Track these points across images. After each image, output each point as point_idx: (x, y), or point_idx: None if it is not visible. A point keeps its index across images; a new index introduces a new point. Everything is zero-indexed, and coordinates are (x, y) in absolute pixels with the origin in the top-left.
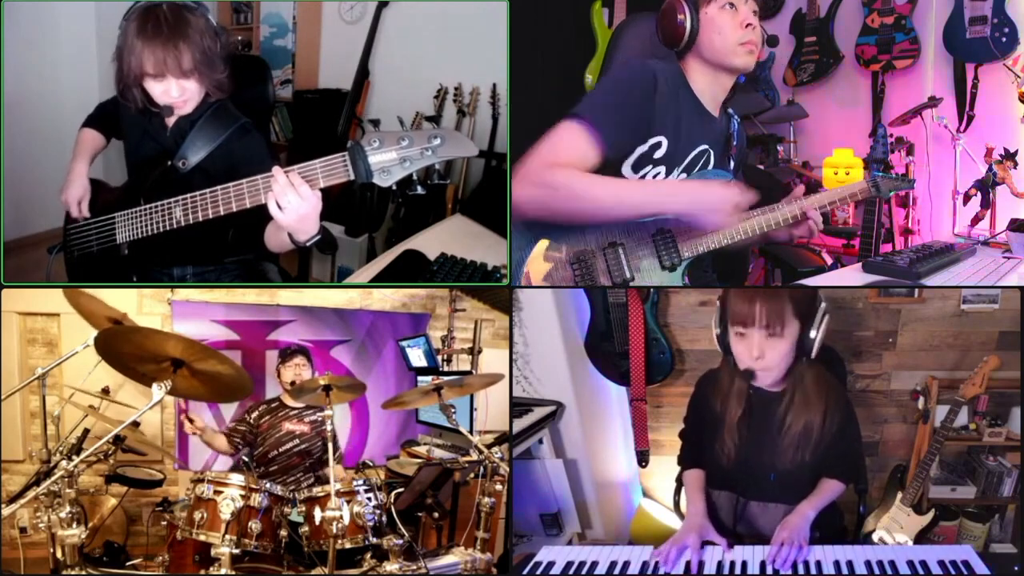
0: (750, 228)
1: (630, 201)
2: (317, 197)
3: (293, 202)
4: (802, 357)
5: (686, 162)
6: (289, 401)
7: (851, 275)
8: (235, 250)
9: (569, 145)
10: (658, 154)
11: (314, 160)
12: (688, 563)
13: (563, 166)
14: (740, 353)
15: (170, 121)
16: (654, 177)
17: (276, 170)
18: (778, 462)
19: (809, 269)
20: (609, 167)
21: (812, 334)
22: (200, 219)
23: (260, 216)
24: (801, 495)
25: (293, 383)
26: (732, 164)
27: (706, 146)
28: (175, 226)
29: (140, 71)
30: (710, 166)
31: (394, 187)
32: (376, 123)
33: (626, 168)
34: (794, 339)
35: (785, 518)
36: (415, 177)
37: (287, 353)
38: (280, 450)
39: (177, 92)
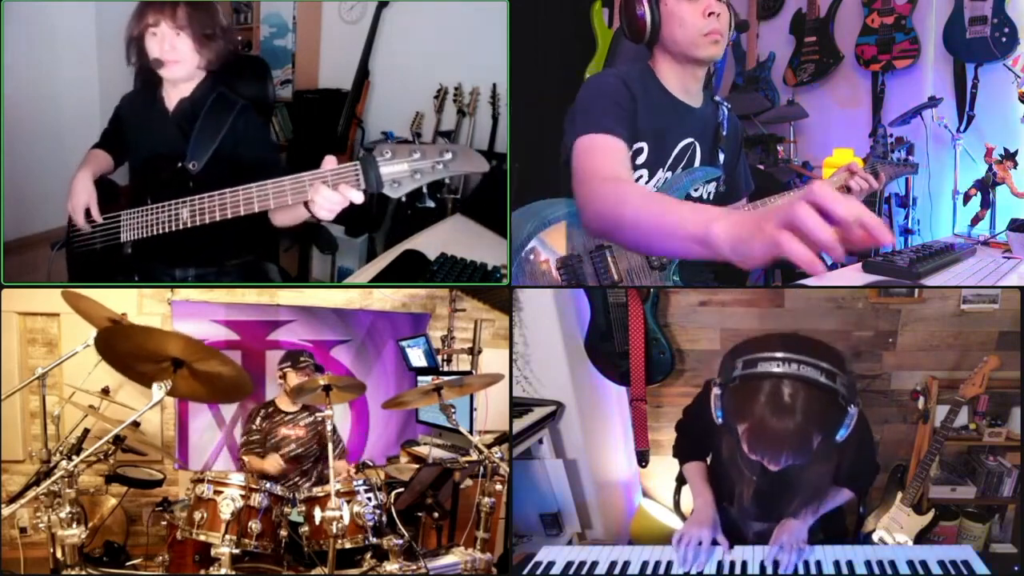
0: None
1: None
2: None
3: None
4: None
5: (670, 160)
6: (284, 406)
7: (851, 275)
8: (237, 253)
9: (604, 156)
10: (640, 159)
11: (325, 168)
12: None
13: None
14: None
15: (171, 102)
16: (635, 181)
17: (320, 183)
18: (799, 489)
19: None
20: None
21: (839, 437)
22: (207, 221)
23: (263, 217)
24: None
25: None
26: (721, 156)
27: (690, 139)
28: (181, 227)
29: (142, 21)
30: (696, 162)
31: (403, 198)
32: (387, 135)
33: None
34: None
35: (785, 520)
36: (424, 190)
37: (300, 363)
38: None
39: (168, 46)
